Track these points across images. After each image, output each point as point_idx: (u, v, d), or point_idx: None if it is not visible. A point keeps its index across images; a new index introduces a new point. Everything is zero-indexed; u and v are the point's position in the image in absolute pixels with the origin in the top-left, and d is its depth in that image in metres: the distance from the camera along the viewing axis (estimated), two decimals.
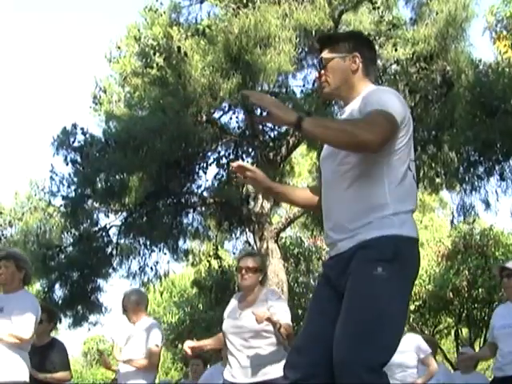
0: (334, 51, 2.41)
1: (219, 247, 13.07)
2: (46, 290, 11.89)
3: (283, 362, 3.83)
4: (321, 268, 14.74)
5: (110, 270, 11.83)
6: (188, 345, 4.14)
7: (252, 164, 11.75)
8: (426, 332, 16.86)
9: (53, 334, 5.48)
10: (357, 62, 2.37)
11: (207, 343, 4.27)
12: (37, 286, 15.47)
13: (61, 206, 11.49)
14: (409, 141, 2.26)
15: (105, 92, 12.53)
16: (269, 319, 3.62)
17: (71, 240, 11.61)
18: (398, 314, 2.16)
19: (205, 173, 11.48)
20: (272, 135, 11.73)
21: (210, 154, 11.47)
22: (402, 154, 2.23)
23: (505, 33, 13.42)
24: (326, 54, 2.42)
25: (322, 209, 2.37)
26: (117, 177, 10.56)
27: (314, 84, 11.81)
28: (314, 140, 2.21)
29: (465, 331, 17.42)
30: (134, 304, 4.96)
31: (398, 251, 2.13)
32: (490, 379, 4.67)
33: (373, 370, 2.05)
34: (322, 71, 2.41)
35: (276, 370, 3.75)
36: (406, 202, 2.23)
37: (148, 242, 11.74)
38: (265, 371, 3.79)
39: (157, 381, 5.01)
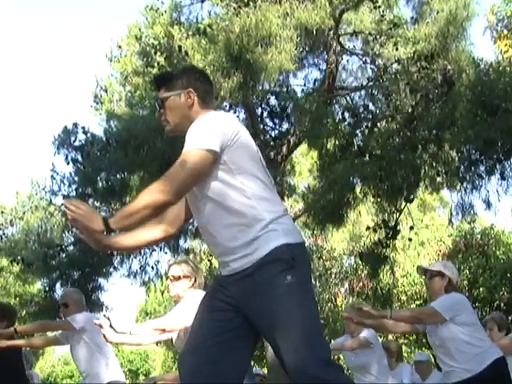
0: (169, 89, 2.54)
1: None
2: (46, 289, 11.91)
3: None
4: (321, 267, 14.67)
5: (111, 269, 11.85)
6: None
7: None
8: (427, 331, 16.86)
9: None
10: (191, 96, 2.47)
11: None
12: (38, 285, 15.51)
13: (62, 204, 11.49)
14: (245, 153, 2.35)
15: (106, 91, 12.54)
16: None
17: (72, 239, 11.62)
18: (316, 310, 2.33)
19: None
20: (273, 134, 11.74)
21: None
22: (244, 168, 2.31)
23: (506, 32, 13.44)
24: (162, 94, 2.57)
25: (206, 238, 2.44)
26: (118, 176, 10.56)
27: (315, 83, 11.82)
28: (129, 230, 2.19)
29: None
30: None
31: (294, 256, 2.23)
32: None
33: (328, 364, 2.13)
34: (161, 110, 2.56)
35: None
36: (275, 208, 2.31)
37: None
38: None
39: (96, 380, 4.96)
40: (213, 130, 2.30)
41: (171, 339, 3.99)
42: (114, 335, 3.70)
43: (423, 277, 4.27)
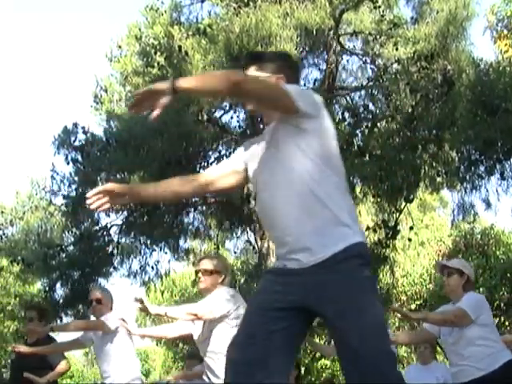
0: (261, 70, 2.43)
1: (220, 246, 13.07)
2: (46, 289, 11.90)
3: None
4: None
5: (111, 269, 11.85)
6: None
7: None
8: None
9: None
10: (281, 83, 2.35)
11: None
12: (38, 285, 15.51)
13: (62, 205, 11.50)
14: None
15: (106, 91, 12.53)
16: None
17: (72, 239, 11.63)
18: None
19: None
20: None
21: (210, 153, 11.48)
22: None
23: (505, 32, 13.43)
24: (251, 72, 2.44)
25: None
26: (118, 176, 10.56)
27: (315, 83, 11.82)
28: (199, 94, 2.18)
29: None
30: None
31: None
32: None
33: (392, 358, 2.15)
34: None
35: None
36: None
37: (149, 241, 11.75)
38: None
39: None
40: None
41: (190, 335, 4.04)
42: (137, 329, 3.76)
43: (439, 273, 4.24)
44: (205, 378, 3.87)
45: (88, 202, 2.24)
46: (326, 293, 2.12)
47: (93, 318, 4.99)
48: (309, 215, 2.14)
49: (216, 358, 3.72)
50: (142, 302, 3.64)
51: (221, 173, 2.43)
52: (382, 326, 2.16)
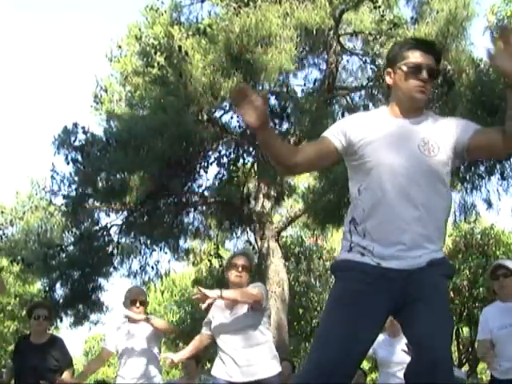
0: (439, 64, 2.52)
1: (220, 246, 13.08)
2: (46, 289, 11.91)
3: (275, 360, 3.91)
4: (321, 267, 14.61)
5: (111, 269, 11.85)
6: (169, 361, 4.24)
7: (252, 164, 11.77)
8: None
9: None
10: None
11: (187, 353, 4.28)
12: (38, 285, 15.52)
13: (62, 205, 11.49)
14: None
15: (106, 91, 12.53)
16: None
17: (72, 239, 11.63)
18: None
19: (206, 172, 11.49)
20: None
21: (210, 153, 11.47)
22: None
23: None
24: (438, 66, 2.48)
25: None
26: (118, 176, 10.56)
27: (315, 83, 11.81)
28: None
29: (466, 330, 17.41)
30: None
31: None
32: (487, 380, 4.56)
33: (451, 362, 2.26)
34: (432, 80, 2.43)
35: (269, 369, 3.81)
36: None
37: (149, 241, 11.75)
38: (260, 370, 3.82)
39: (158, 380, 5.01)
40: None
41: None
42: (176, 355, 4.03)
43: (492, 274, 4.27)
44: (254, 368, 3.85)
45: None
46: (419, 294, 2.31)
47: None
48: None
49: (264, 347, 3.85)
50: (199, 290, 3.85)
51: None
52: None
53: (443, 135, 2.35)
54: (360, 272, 2.27)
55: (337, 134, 2.37)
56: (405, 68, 2.35)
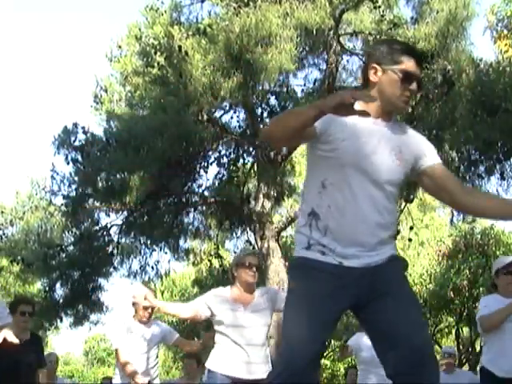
0: None
1: (220, 246, 13.09)
2: (46, 289, 11.91)
3: (269, 362, 3.98)
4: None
5: (111, 269, 11.85)
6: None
7: (252, 164, 11.77)
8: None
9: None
10: None
11: (170, 308, 4.35)
12: (38, 285, 15.51)
13: (62, 205, 11.49)
14: None
15: (106, 91, 12.53)
16: None
17: (72, 239, 11.62)
18: None
19: (206, 172, 11.49)
20: None
21: (210, 153, 11.47)
22: None
23: (505, 32, 13.42)
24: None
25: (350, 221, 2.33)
26: (118, 176, 10.56)
27: (315, 83, 11.82)
28: None
29: (465, 330, 17.42)
30: None
31: None
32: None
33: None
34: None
35: (266, 370, 3.84)
36: None
37: (149, 241, 11.75)
38: (259, 369, 3.88)
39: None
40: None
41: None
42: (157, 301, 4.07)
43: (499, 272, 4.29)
44: (254, 367, 3.91)
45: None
46: (383, 289, 2.40)
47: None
48: None
49: (266, 347, 4.00)
50: None
51: None
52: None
53: (411, 149, 2.37)
54: (321, 271, 2.27)
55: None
56: (399, 74, 2.32)
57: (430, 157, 2.39)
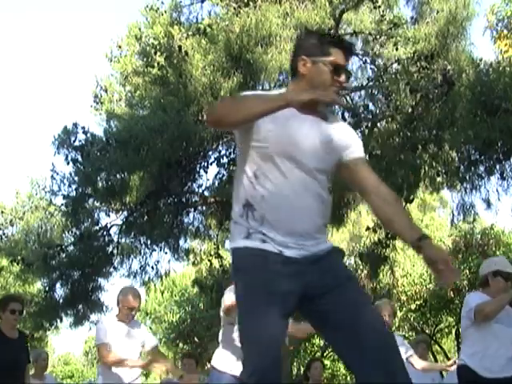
0: None
1: (220, 246, 13.07)
2: (46, 289, 11.90)
3: None
4: None
5: (111, 269, 11.83)
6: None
7: None
8: (427, 331, 16.86)
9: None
10: None
11: None
12: (38, 285, 15.51)
13: (62, 205, 11.49)
14: None
15: (106, 91, 12.54)
16: None
17: (72, 239, 11.61)
18: None
19: (206, 172, 11.48)
20: None
21: (210, 153, 11.46)
22: None
23: (505, 32, 13.43)
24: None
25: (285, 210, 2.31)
26: (117, 176, 10.56)
27: None
28: None
29: None
30: None
31: None
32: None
33: None
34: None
35: None
36: None
37: (149, 241, 11.75)
38: None
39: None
40: None
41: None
42: None
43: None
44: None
45: None
46: (328, 281, 2.36)
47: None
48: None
49: None
50: None
51: None
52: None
53: (340, 139, 2.39)
54: (265, 259, 2.24)
55: None
56: (328, 65, 2.34)
57: (355, 150, 2.41)
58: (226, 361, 3.96)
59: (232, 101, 2.36)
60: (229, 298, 3.98)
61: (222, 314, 4.23)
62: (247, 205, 2.31)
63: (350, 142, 2.42)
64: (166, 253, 11.99)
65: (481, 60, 10.00)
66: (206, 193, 11.71)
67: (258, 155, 2.31)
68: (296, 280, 2.23)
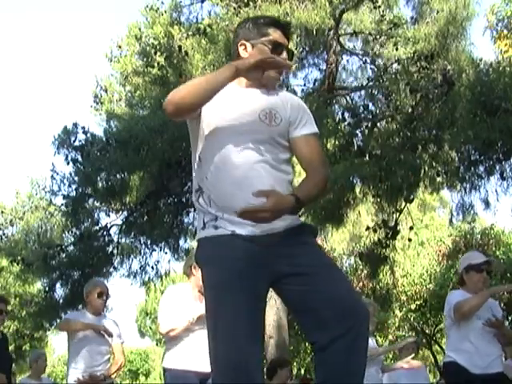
0: None
1: None
2: (46, 289, 11.90)
3: None
4: None
5: (111, 269, 11.83)
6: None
7: None
8: (427, 331, 16.87)
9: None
10: None
11: None
12: (38, 285, 15.51)
13: (62, 205, 11.49)
14: None
15: (106, 91, 12.53)
16: None
17: (72, 239, 11.62)
18: None
19: None
20: None
21: None
22: None
23: (505, 32, 13.44)
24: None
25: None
26: (118, 176, 10.56)
27: (315, 83, 11.82)
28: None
29: None
30: None
31: None
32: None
33: None
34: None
35: None
36: None
37: (149, 241, 11.75)
38: None
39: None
40: None
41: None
42: None
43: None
44: None
45: None
46: (297, 256, 2.30)
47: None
48: None
49: None
50: None
51: None
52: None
53: (287, 113, 2.34)
54: (222, 247, 2.16)
55: None
56: (268, 45, 2.34)
57: (301, 125, 2.36)
58: (178, 358, 3.95)
59: (182, 86, 2.27)
60: (162, 315, 4.03)
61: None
62: (198, 190, 2.30)
63: (300, 118, 2.36)
64: (166, 253, 12.00)
65: (481, 60, 10.00)
66: None
67: (200, 138, 2.33)
68: (255, 262, 2.13)
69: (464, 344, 4.10)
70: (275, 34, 2.36)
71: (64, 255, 11.31)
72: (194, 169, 2.36)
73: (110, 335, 4.76)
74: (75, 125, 10.80)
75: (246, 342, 2.09)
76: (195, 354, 3.81)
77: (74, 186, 10.93)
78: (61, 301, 11.76)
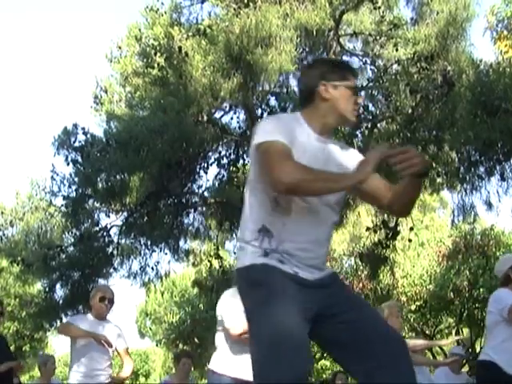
0: None
1: (220, 247, 13.06)
2: (46, 289, 11.90)
3: None
4: None
5: (111, 270, 11.83)
6: None
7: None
8: (427, 332, 16.86)
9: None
10: None
11: None
12: (38, 286, 15.52)
13: (62, 205, 11.48)
14: None
15: (106, 92, 12.52)
16: None
17: (72, 240, 11.62)
18: None
19: (206, 173, 11.49)
20: None
21: (210, 154, 11.47)
22: None
23: (505, 33, 13.43)
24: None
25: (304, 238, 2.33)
26: (117, 177, 10.55)
27: None
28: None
29: (466, 331, 17.41)
30: None
31: None
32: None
33: None
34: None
35: None
36: None
37: (149, 242, 11.75)
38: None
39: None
40: None
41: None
42: None
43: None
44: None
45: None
46: (340, 303, 2.42)
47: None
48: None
49: None
50: None
51: None
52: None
53: (351, 164, 2.38)
54: (284, 276, 2.21)
55: (279, 135, 2.25)
56: (348, 89, 2.41)
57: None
58: (225, 363, 3.96)
59: (308, 178, 2.19)
60: (231, 319, 3.97)
61: (219, 318, 4.21)
62: (263, 230, 2.28)
63: (354, 165, 2.41)
64: (165, 253, 12.00)
65: (481, 61, 10.00)
66: (206, 194, 11.72)
67: None
68: (311, 300, 2.23)
69: (508, 344, 4.14)
70: (351, 78, 2.45)
71: (64, 256, 11.31)
72: (260, 206, 2.35)
73: (110, 345, 4.74)
74: (75, 125, 10.81)
75: (305, 352, 2.13)
76: (245, 362, 3.84)
77: (74, 187, 10.94)
78: (61, 301, 11.76)
